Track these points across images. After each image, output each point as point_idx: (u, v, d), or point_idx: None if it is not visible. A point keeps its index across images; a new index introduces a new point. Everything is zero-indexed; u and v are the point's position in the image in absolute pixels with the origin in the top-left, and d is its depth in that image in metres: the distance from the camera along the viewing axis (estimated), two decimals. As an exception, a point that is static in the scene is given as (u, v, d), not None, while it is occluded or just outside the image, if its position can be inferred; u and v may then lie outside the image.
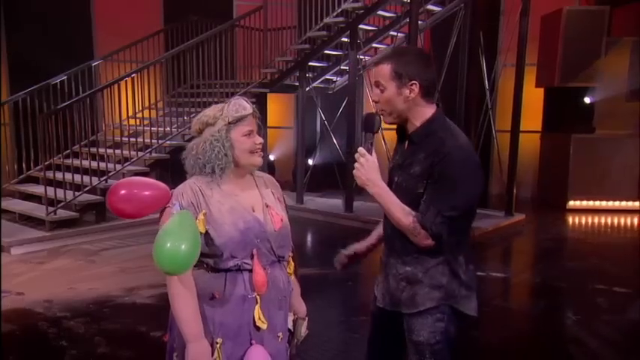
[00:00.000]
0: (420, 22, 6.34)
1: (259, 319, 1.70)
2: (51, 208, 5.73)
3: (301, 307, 1.96)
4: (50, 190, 5.75)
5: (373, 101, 1.89)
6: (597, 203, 7.59)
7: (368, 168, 1.71)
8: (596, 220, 7.27)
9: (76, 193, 5.93)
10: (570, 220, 7.27)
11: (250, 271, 1.69)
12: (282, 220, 1.79)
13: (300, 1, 7.27)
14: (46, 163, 5.92)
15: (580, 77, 7.50)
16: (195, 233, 1.58)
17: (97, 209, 6.15)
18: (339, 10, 6.56)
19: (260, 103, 7.82)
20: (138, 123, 7.15)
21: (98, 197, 6.11)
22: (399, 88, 1.72)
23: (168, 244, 1.49)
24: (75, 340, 3.44)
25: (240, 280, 1.69)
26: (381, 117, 1.78)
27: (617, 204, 7.55)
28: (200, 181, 1.72)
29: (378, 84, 1.76)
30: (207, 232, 1.66)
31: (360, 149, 1.73)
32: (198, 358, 1.61)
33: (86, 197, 6.04)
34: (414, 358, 1.82)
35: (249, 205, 1.75)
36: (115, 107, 6.52)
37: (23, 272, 4.78)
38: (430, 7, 6.92)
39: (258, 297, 1.70)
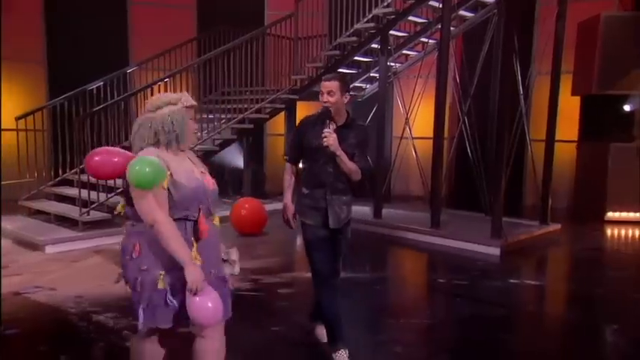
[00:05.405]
0: (452, 28, 6.29)
1: (195, 257, 2.17)
2: (84, 209, 5.85)
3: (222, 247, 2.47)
4: (84, 192, 5.88)
5: (324, 102, 2.92)
6: (638, 215, 7.29)
7: (336, 140, 2.84)
8: (636, 232, 6.97)
9: (109, 195, 6.04)
10: (609, 231, 6.99)
11: (193, 221, 2.21)
12: (214, 183, 2.35)
13: (331, 7, 7.31)
14: (81, 166, 6.06)
15: (619, 85, 7.27)
16: (159, 163, 2.07)
17: (129, 211, 6.24)
18: (370, 15, 6.57)
19: (289, 110, 7.92)
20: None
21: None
22: (342, 95, 2.94)
23: (137, 167, 2.01)
24: (103, 333, 3.47)
25: (183, 228, 2.18)
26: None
27: (658, 216, 7.24)
28: (156, 151, 2.17)
29: (330, 91, 2.91)
30: (168, 189, 2.13)
31: (328, 130, 2.84)
32: (196, 275, 2.11)
33: (119, 199, 6.13)
34: (345, 247, 3.14)
35: (191, 170, 2.26)
36: (149, 112, 6.64)
37: (56, 270, 4.88)
38: (462, 12, 6.86)
39: (194, 241, 2.20)
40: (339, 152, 2.85)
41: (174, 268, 2.14)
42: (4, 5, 7.20)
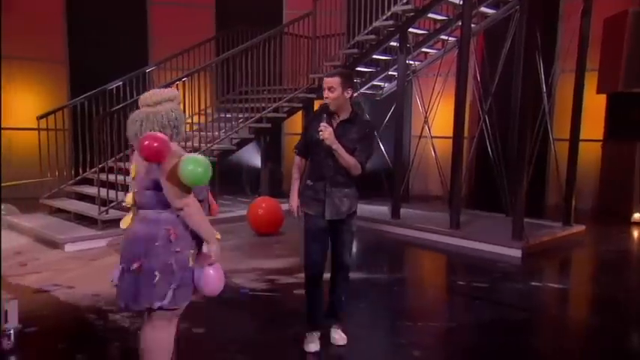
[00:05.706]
0: (472, 25, 6.17)
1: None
2: (103, 208, 5.90)
3: None
4: (103, 191, 5.92)
5: (325, 97, 2.99)
6: (666, 216, 7.08)
7: (331, 134, 2.92)
8: (664, 234, 6.76)
9: (128, 194, 6.07)
10: (635, 233, 6.79)
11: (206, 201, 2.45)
12: None
13: (350, 5, 7.24)
14: (100, 165, 6.12)
15: (646, 82, 7.06)
16: (206, 161, 2.21)
17: (147, 210, 6.27)
18: (389, 13, 6.48)
19: (307, 109, 7.87)
20: (189, 129, 7.29)
21: (148, 198, 6.23)
22: (344, 91, 2.98)
23: (191, 166, 2.14)
24: (119, 332, 3.47)
25: (205, 208, 2.40)
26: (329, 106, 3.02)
27: (688, 217, 7.01)
28: (178, 147, 2.30)
29: (331, 87, 2.96)
30: None
31: (324, 124, 2.91)
32: (218, 249, 2.34)
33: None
34: (349, 240, 3.20)
35: None
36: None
37: (75, 268, 4.92)
38: (483, 9, 6.72)
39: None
40: (335, 146, 2.93)
41: (197, 245, 2.35)
42: (5, 5, 7.28)
